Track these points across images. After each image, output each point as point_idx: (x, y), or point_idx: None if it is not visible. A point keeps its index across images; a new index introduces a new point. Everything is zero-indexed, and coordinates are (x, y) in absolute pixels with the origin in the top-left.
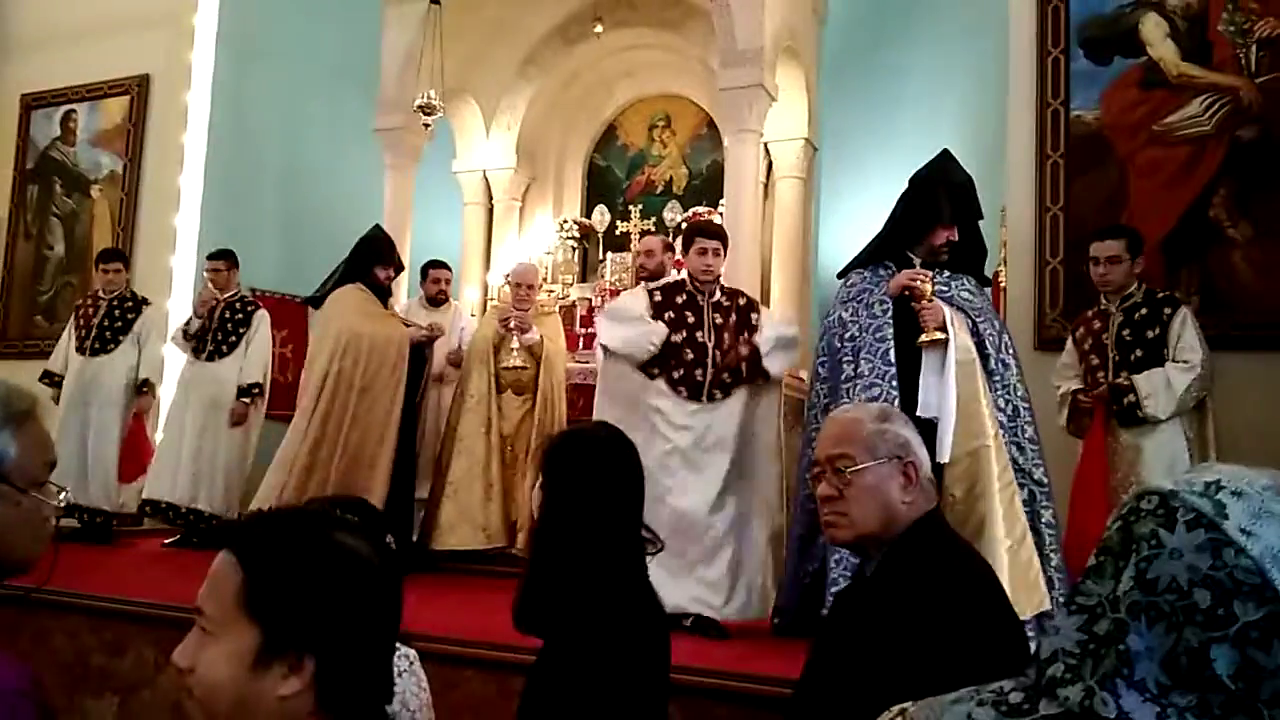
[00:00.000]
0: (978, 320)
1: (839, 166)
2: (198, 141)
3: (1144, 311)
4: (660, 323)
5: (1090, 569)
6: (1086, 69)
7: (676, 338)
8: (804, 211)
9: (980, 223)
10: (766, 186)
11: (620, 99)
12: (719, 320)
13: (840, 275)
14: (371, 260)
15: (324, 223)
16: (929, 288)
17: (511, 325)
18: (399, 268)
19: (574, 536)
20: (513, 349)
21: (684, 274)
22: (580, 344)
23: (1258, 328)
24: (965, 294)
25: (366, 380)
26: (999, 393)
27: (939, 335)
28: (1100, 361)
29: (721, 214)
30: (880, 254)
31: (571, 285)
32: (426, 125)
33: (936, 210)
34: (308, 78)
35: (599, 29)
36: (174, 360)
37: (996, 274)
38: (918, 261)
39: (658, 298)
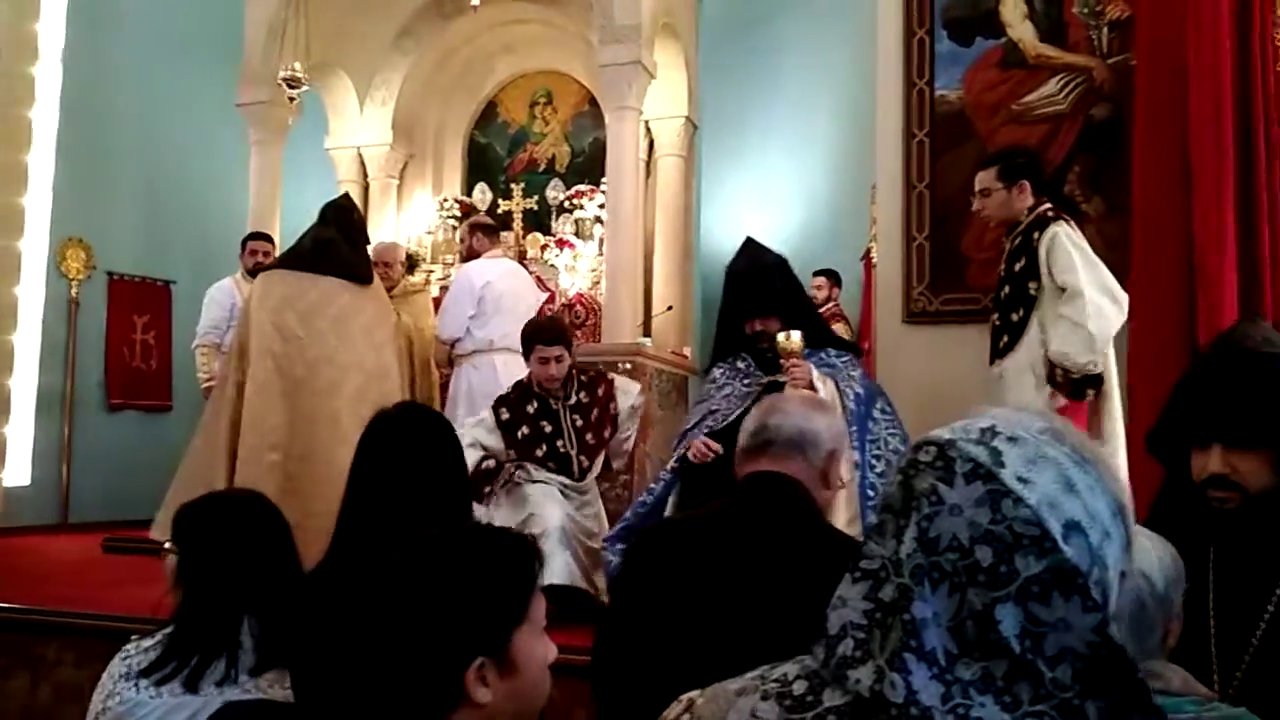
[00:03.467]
0: (838, 380)
1: (719, 144)
2: (47, 117)
3: (1018, 241)
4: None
5: (873, 529)
6: (950, 49)
7: (539, 452)
8: (685, 189)
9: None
10: (648, 165)
11: (500, 75)
12: (579, 422)
13: (706, 369)
14: (364, 237)
15: (187, 202)
16: (793, 345)
17: None
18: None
19: (383, 513)
20: None
21: (530, 380)
22: None
23: None
24: (825, 369)
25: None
26: (869, 449)
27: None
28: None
29: (604, 191)
30: (726, 345)
31: (453, 265)
32: (292, 99)
33: (738, 303)
34: (167, 48)
35: (476, 2)
36: None
37: (868, 251)
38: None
39: (505, 415)
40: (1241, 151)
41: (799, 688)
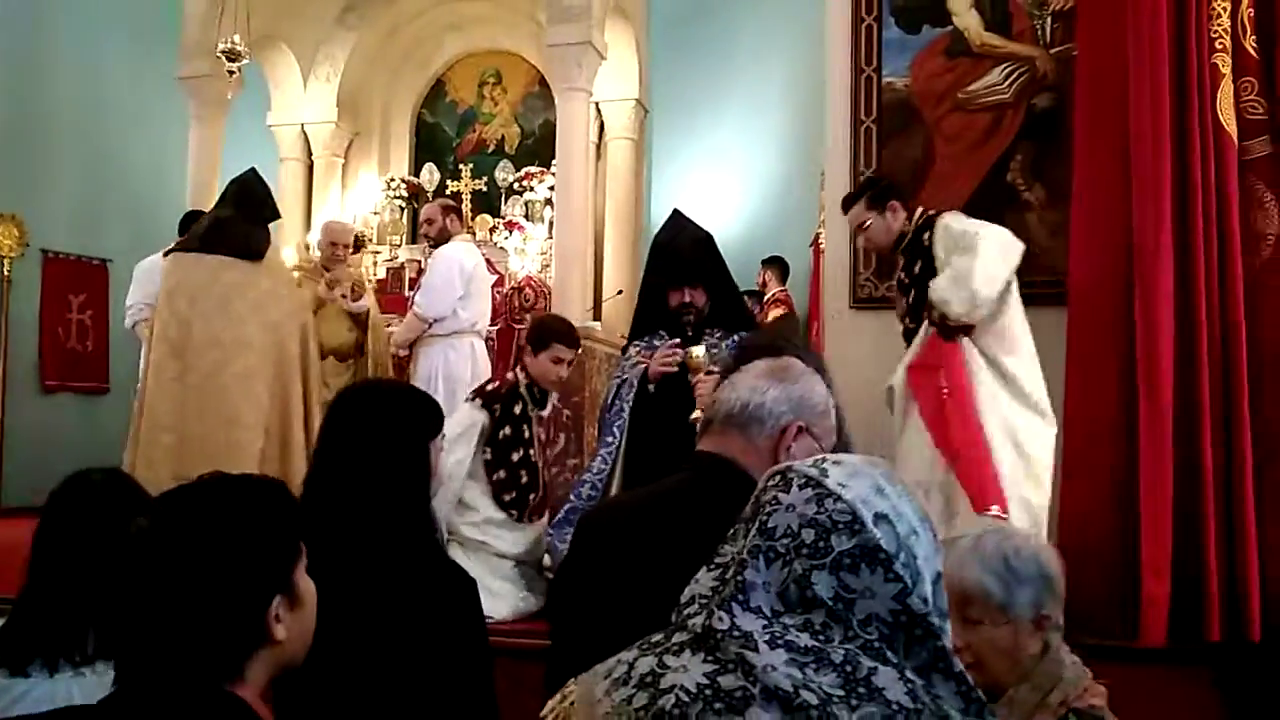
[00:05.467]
0: None
1: (670, 128)
2: None
3: (910, 249)
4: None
5: (728, 536)
6: (898, 37)
7: (515, 455)
8: (636, 173)
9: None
10: (599, 147)
11: (448, 53)
12: (541, 436)
13: (623, 349)
14: (271, 213)
15: (125, 178)
16: (700, 361)
17: (337, 294)
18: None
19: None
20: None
21: (519, 377)
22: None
23: (1046, 285)
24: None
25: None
26: None
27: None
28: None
29: (554, 174)
30: (645, 321)
31: (400, 246)
32: (232, 73)
33: (663, 274)
34: (105, 20)
35: None
36: None
37: (818, 237)
38: (662, 339)
39: (498, 412)
40: (1178, 139)
41: (655, 637)
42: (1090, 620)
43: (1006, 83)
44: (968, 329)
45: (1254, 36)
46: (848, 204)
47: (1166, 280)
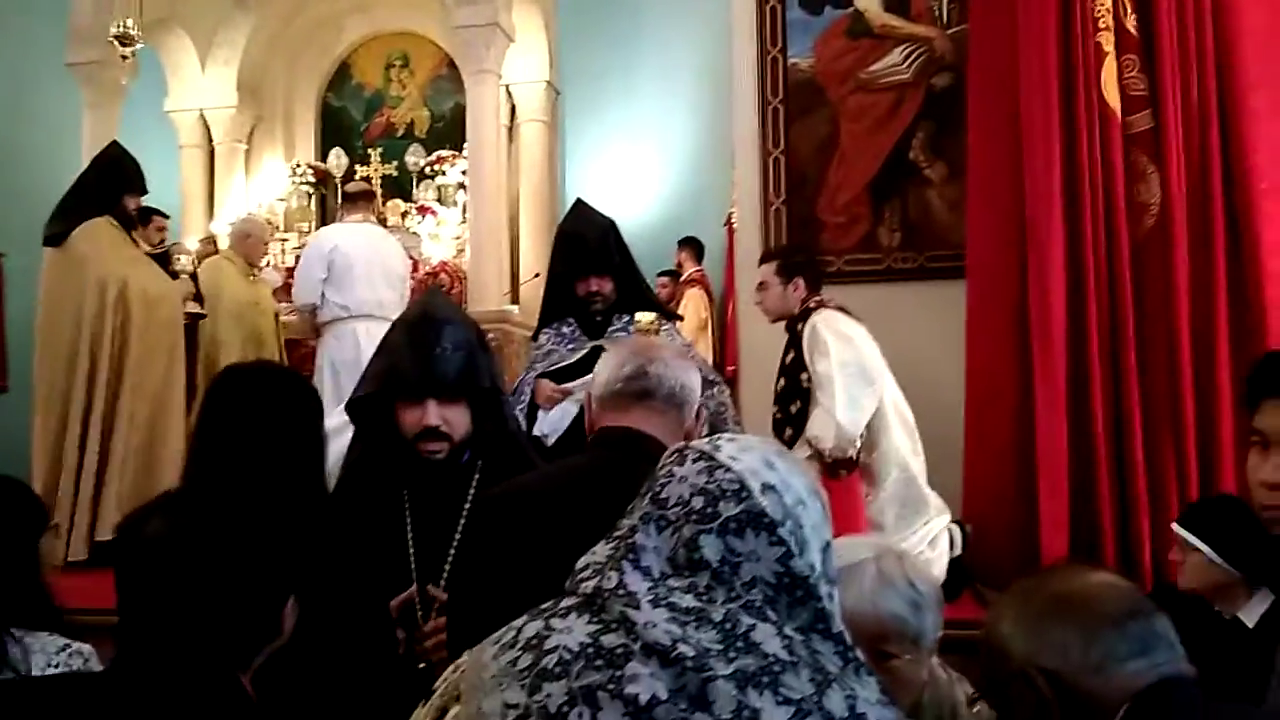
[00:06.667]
0: None
1: (582, 109)
2: None
3: (788, 335)
4: None
5: (627, 511)
6: (801, 18)
7: None
8: (550, 155)
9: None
10: (511, 130)
11: (352, 35)
12: None
13: (533, 336)
14: (120, 186)
15: (14, 170)
16: (653, 326)
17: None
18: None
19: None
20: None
21: None
22: None
23: (947, 259)
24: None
25: (147, 342)
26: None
27: None
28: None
29: (466, 157)
30: (553, 308)
31: (308, 233)
32: (125, 58)
33: (570, 264)
34: None
35: None
36: None
37: (730, 216)
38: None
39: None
40: (1065, 116)
41: (545, 604)
42: (997, 576)
43: (906, 63)
44: (849, 464)
45: (1134, 16)
46: (762, 259)
47: (1057, 250)
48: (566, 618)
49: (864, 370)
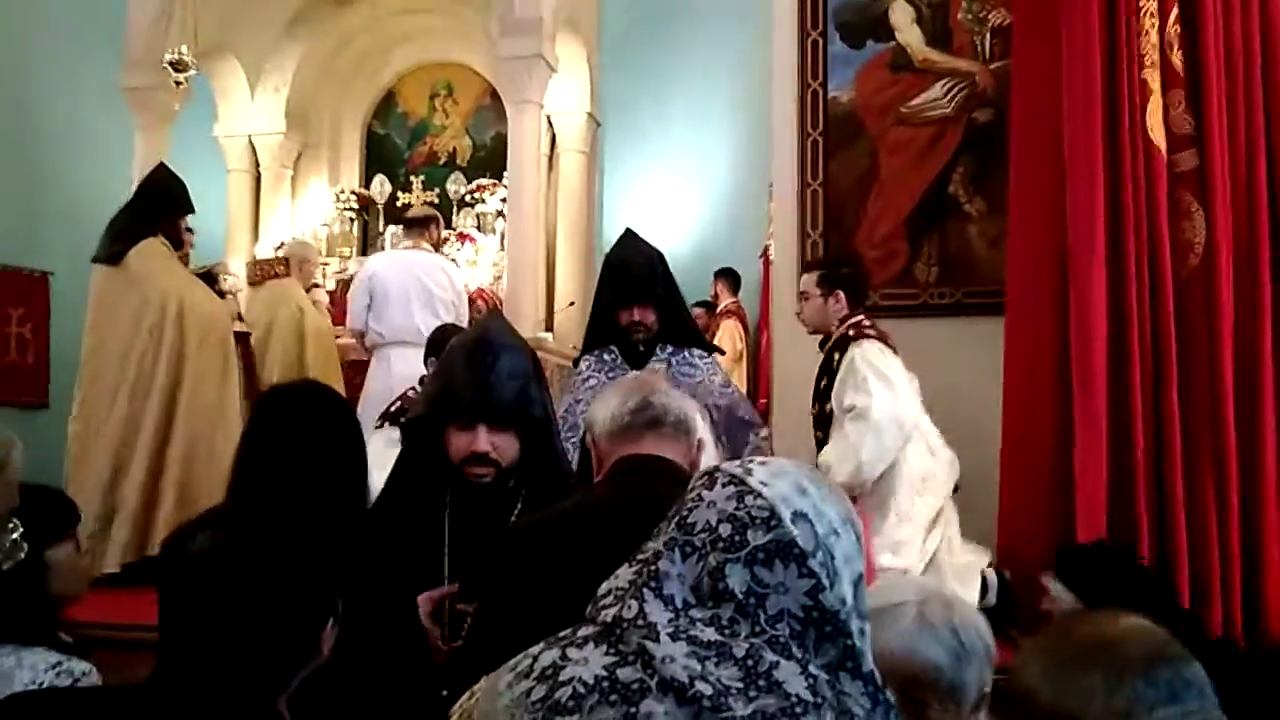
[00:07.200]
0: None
1: (621, 140)
2: None
3: (824, 358)
4: None
5: (652, 534)
6: (842, 51)
7: None
8: (588, 185)
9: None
10: (551, 159)
11: (398, 65)
12: None
13: (574, 362)
14: (173, 208)
15: (64, 189)
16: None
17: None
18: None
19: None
20: None
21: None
22: None
23: (985, 295)
24: (685, 368)
25: (202, 360)
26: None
27: None
28: None
29: (506, 186)
30: (597, 336)
31: (350, 258)
32: (179, 84)
33: (615, 293)
34: (45, 29)
35: None
36: None
37: (766, 248)
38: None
39: None
40: (1110, 153)
41: (563, 632)
42: (1037, 622)
43: (947, 97)
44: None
45: (1180, 52)
46: (807, 268)
47: (1099, 287)
48: (584, 648)
49: (901, 425)
